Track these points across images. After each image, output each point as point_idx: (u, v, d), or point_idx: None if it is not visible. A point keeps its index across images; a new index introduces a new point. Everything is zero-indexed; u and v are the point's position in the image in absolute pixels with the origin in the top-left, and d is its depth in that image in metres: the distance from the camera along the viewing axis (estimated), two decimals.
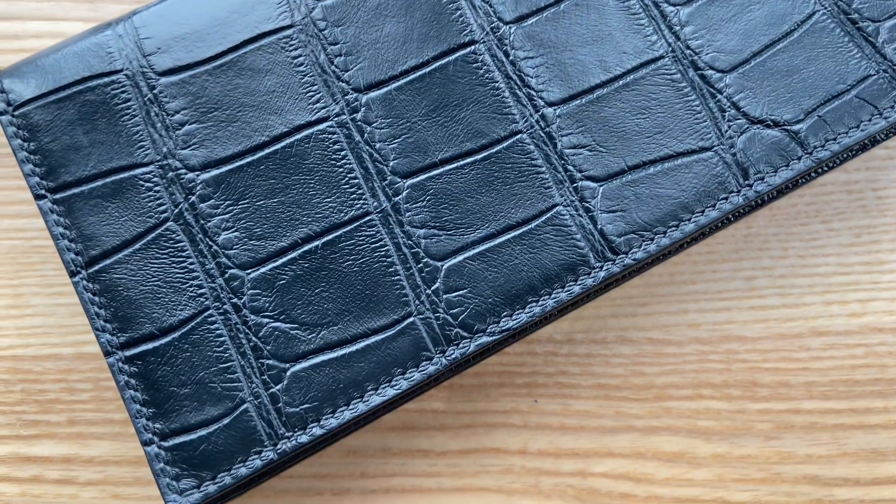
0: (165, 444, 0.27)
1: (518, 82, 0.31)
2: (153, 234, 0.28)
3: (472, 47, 0.31)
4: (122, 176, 0.29)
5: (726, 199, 0.30)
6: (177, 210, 0.29)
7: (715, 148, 0.30)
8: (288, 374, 0.28)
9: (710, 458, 0.32)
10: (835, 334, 0.33)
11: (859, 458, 0.32)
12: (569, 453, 0.32)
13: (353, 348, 0.28)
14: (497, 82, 0.31)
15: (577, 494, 0.32)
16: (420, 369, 0.28)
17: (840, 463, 0.32)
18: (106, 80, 0.30)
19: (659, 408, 0.33)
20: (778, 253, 0.34)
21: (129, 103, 0.30)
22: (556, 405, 0.33)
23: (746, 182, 0.30)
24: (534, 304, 0.29)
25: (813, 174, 0.32)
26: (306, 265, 0.29)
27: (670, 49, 0.31)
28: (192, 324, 0.28)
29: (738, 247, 0.35)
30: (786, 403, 0.33)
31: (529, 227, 0.29)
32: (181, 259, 0.28)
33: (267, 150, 0.29)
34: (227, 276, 0.28)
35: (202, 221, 0.29)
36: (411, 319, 0.28)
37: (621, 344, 0.33)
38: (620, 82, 0.31)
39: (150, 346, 0.28)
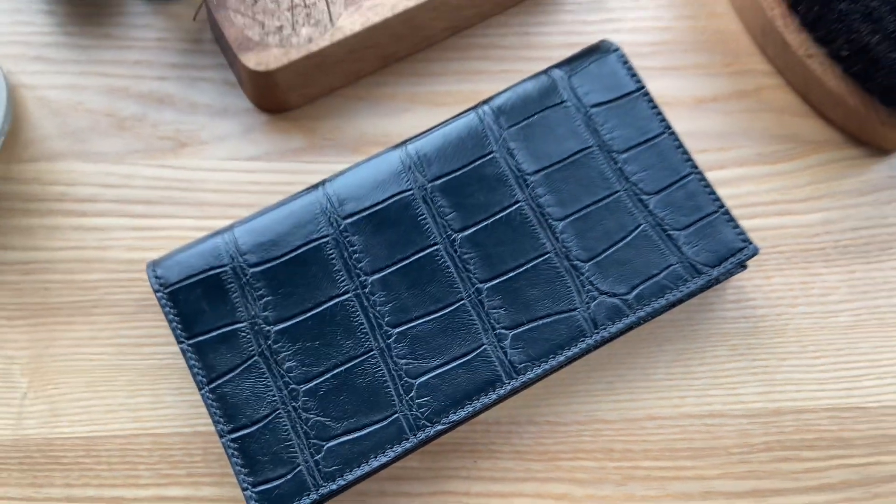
0: (255, 490, 0.46)
1: (462, 268, 0.51)
2: (246, 364, 0.49)
3: (435, 247, 0.51)
4: (227, 329, 0.49)
5: (583, 341, 0.50)
6: (260, 350, 0.49)
7: (578, 309, 0.50)
8: (324, 448, 0.47)
9: (585, 498, 0.52)
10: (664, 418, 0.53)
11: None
12: (494, 494, 0.52)
13: (363, 433, 0.48)
14: (449, 268, 0.51)
15: None
16: (402, 445, 0.48)
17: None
18: (218, 270, 0.50)
19: (552, 465, 0.52)
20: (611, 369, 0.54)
21: (231, 284, 0.50)
22: (489, 464, 0.52)
23: (595, 331, 0.50)
24: (468, 405, 0.49)
25: (642, 321, 0.52)
26: (335, 382, 0.49)
27: (553, 247, 0.52)
28: (269, 418, 0.48)
29: (601, 362, 0.55)
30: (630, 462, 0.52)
31: (468, 357, 0.49)
32: (262, 379, 0.48)
33: (312, 312, 0.50)
34: (289, 389, 0.48)
35: (275, 356, 0.49)
36: (396, 415, 0.48)
37: (530, 424, 0.53)
38: (523, 268, 0.51)
39: (245, 432, 0.47)
